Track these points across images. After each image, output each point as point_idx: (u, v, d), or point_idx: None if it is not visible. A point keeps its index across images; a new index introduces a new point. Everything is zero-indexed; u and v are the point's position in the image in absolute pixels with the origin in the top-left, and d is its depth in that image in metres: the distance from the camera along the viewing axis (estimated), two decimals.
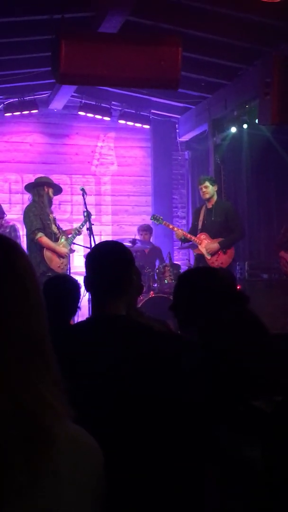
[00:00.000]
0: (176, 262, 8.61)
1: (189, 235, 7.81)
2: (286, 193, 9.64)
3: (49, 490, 0.91)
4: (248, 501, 1.99)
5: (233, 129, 8.60)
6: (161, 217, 8.27)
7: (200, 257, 7.78)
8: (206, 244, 7.65)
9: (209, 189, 7.70)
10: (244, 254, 9.41)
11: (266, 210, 9.85)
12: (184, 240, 7.87)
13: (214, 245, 7.59)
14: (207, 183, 7.71)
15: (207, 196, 7.72)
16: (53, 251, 7.31)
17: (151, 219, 8.46)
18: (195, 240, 7.73)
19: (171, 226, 8.17)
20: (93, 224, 7.65)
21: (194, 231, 7.91)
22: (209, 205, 7.76)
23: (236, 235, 7.67)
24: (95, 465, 0.98)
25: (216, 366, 2.21)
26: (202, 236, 7.72)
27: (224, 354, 2.25)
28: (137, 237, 8.88)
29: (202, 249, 7.67)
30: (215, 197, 7.76)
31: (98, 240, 7.99)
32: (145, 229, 9.07)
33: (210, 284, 2.61)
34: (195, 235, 7.77)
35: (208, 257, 7.60)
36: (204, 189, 7.75)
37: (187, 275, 2.81)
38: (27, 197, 7.84)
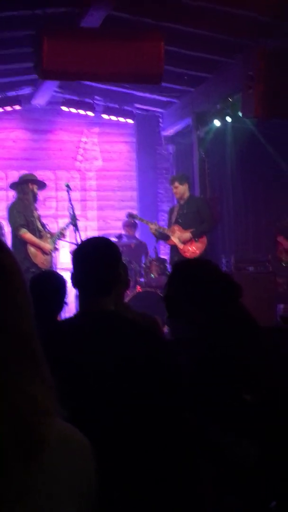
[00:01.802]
0: (162, 257, 8.63)
1: (162, 228, 8.18)
2: (271, 185, 9.69)
3: (41, 488, 0.91)
4: (244, 496, 2.00)
5: (217, 123, 8.61)
6: (136, 214, 8.71)
7: (174, 247, 8.10)
8: (178, 234, 7.99)
9: (179, 189, 8.08)
10: (230, 247, 9.45)
11: (252, 202, 9.88)
12: (159, 235, 8.13)
13: (186, 234, 7.94)
14: (176, 183, 8.10)
15: (178, 196, 8.13)
16: (38, 247, 7.31)
17: (127, 217, 8.60)
18: (168, 232, 8.04)
19: (145, 221, 8.32)
20: (78, 220, 7.65)
21: (169, 226, 8.23)
22: (182, 202, 8.12)
23: (206, 224, 8.00)
24: (86, 462, 0.99)
25: (207, 361, 2.22)
26: (175, 227, 8.06)
27: (216, 348, 2.26)
28: (123, 232, 8.93)
29: (175, 239, 8.00)
30: (187, 193, 8.11)
31: (84, 235, 7.98)
32: (130, 225, 9.12)
33: (205, 276, 2.60)
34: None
35: (181, 246, 7.94)
36: (174, 190, 8.17)
37: (181, 266, 2.80)
38: (12, 194, 7.82)
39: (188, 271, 2.68)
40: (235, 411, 2.16)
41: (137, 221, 9.15)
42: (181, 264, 2.87)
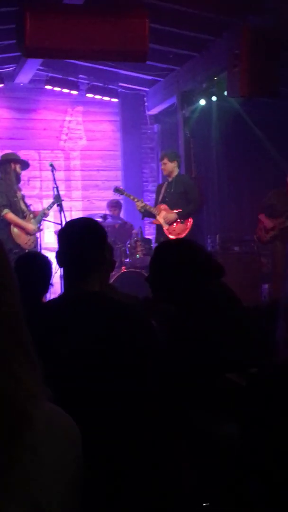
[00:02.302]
0: (147, 237, 8.61)
1: (148, 206, 8.08)
2: (257, 165, 9.68)
3: (27, 470, 0.90)
4: (223, 477, 2.01)
5: (202, 102, 8.56)
6: (123, 188, 8.53)
7: (159, 227, 8.03)
8: (164, 214, 7.90)
9: (167, 166, 7.99)
10: (215, 227, 9.45)
11: (236, 182, 9.88)
12: (145, 213, 8.07)
13: (172, 215, 7.85)
14: (165, 160, 8.01)
15: (165, 172, 8.06)
16: (20, 227, 7.25)
17: (114, 191, 8.54)
18: (154, 211, 7.97)
19: (131, 197, 8.25)
20: (63, 200, 7.60)
21: (156, 204, 8.16)
22: (170, 179, 8.04)
23: (192, 206, 7.92)
24: (72, 444, 0.99)
25: (192, 340, 2.22)
26: (162, 206, 7.98)
27: (201, 327, 2.26)
28: (107, 212, 8.89)
29: (160, 219, 7.93)
30: (175, 171, 8.02)
31: (68, 216, 7.94)
32: (114, 205, 9.07)
33: (187, 256, 2.60)
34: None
35: (166, 226, 7.87)
36: (163, 166, 8.10)
37: (163, 247, 2.79)
38: None
39: (170, 252, 2.67)
40: (217, 389, 2.17)
41: (121, 201, 9.11)
42: (163, 245, 2.86)
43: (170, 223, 7.87)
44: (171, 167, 7.96)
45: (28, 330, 1.00)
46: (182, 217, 7.85)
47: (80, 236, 2.22)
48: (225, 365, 2.31)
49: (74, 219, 2.57)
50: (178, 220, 7.86)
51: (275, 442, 1.62)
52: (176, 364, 2.25)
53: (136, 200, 8.16)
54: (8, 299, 0.97)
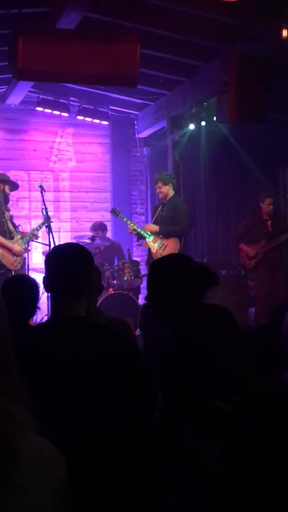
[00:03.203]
0: (135, 259, 8.62)
1: (140, 228, 8.04)
2: (244, 189, 9.77)
3: (14, 503, 0.90)
4: (208, 500, 2.01)
5: (191, 126, 8.66)
6: (119, 209, 8.43)
7: (150, 251, 7.97)
8: (149, 229, 7.88)
9: (162, 189, 7.95)
10: (202, 250, 9.49)
11: (224, 206, 9.95)
12: (137, 235, 8.05)
13: (153, 226, 7.86)
14: (159, 184, 7.96)
15: (161, 195, 8.01)
16: (7, 248, 7.23)
17: (110, 212, 8.53)
18: (144, 233, 7.94)
19: (125, 219, 8.24)
20: (52, 221, 7.61)
21: None
22: (164, 202, 8.01)
23: (177, 227, 7.79)
24: (59, 477, 0.99)
25: (181, 367, 2.23)
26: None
27: (197, 351, 2.27)
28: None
29: (149, 242, 7.88)
30: (170, 194, 7.95)
31: (56, 237, 7.94)
32: (96, 228, 8.97)
33: (181, 267, 2.63)
34: None
35: (154, 250, 7.79)
36: (158, 190, 8.05)
37: (157, 263, 2.80)
38: None
39: (164, 265, 2.69)
40: (202, 415, 2.17)
41: (105, 223, 9.12)
42: (156, 261, 2.87)
43: (151, 234, 7.83)
44: (166, 190, 7.89)
45: (15, 360, 1.00)
46: (162, 234, 7.77)
47: (66, 262, 2.24)
48: (211, 392, 2.32)
49: (61, 245, 2.60)
50: (166, 245, 7.73)
51: (256, 468, 1.63)
52: (162, 391, 2.26)
53: (128, 222, 8.17)
54: None
